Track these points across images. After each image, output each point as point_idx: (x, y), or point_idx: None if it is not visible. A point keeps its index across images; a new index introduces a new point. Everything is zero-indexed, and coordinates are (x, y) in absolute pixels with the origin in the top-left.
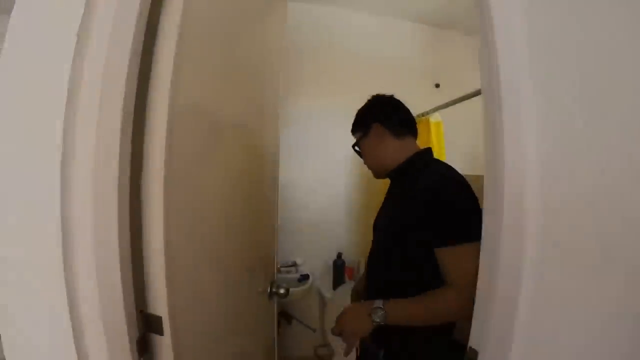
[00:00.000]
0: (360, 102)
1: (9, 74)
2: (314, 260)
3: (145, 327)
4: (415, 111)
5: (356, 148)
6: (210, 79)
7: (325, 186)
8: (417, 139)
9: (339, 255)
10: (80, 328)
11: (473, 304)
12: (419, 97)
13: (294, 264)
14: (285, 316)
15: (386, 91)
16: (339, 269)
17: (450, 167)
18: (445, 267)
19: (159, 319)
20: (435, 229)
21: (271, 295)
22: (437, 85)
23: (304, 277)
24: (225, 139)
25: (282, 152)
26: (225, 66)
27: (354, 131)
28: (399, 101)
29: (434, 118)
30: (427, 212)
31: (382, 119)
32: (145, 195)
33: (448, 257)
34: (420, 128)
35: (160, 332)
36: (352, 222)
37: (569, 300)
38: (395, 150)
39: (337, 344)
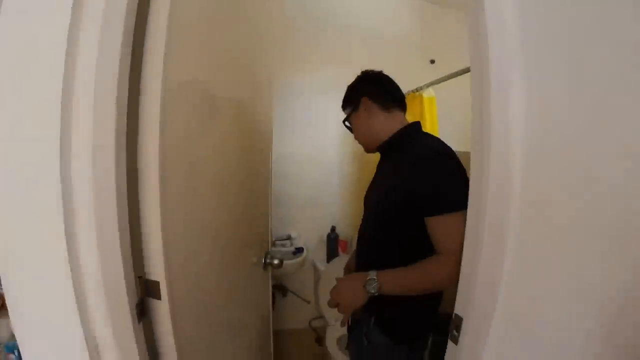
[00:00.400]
0: (355, 77)
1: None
2: (308, 234)
3: (144, 292)
4: (409, 87)
5: (346, 123)
6: (202, 53)
7: (320, 160)
8: (411, 114)
9: (333, 228)
10: (83, 295)
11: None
12: (414, 73)
13: (289, 238)
14: (280, 289)
15: (381, 66)
16: (333, 242)
17: (438, 139)
18: (436, 236)
19: (156, 284)
20: (425, 199)
21: (265, 265)
22: (433, 62)
23: (299, 250)
24: (218, 113)
25: (276, 126)
26: (218, 39)
27: (344, 107)
28: (387, 76)
29: (427, 93)
30: (417, 182)
31: (371, 93)
32: (141, 167)
33: (439, 225)
34: (413, 103)
35: (158, 296)
36: (346, 195)
37: (552, 268)
38: (384, 124)
39: (331, 316)
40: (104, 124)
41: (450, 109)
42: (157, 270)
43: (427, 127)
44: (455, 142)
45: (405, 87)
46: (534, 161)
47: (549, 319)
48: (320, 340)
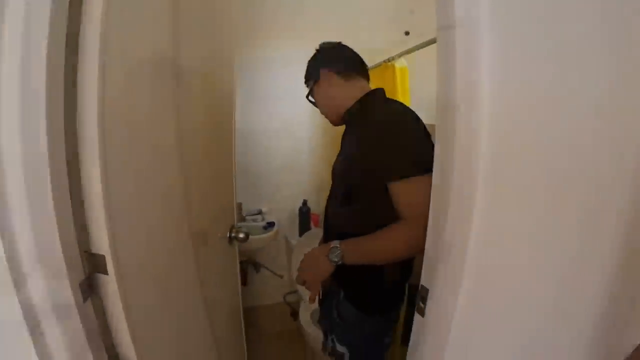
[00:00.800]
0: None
1: None
2: (280, 208)
3: (92, 267)
4: (383, 59)
5: (310, 98)
6: (152, 20)
7: (290, 134)
8: (383, 85)
9: (305, 202)
10: (20, 272)
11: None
12: (388, 45)
13: (260, 212)
14: (253, 264)
15: (354, 38)
16: (305, 216)
17: (400, 103)
18: (398, 202)
19: (102, 258)
20: (385, 165)
21: (231, 240)
22: (407, 33)
23: (270, 225)
24: (172, 81)
25: (247, 99)
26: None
27: (306, 82)
28: (346, 46)
29: (399, 64)
30: (375, 149)
31: (330, 63)
32: (81, 131)
33: (401, 190)
34: (385, 74)
35: (105, 271)
36: (317, 169)
37: (521, 236)
38: (345, 93)
39: (304, 290)
40: (34, 80)
41: (426, 81)
42: (101, 243)
43: (399, 98)
44: (431, 114)
45: (379, 59)
46: (502, 123)
47: (520, 290)
48: (295, 314)
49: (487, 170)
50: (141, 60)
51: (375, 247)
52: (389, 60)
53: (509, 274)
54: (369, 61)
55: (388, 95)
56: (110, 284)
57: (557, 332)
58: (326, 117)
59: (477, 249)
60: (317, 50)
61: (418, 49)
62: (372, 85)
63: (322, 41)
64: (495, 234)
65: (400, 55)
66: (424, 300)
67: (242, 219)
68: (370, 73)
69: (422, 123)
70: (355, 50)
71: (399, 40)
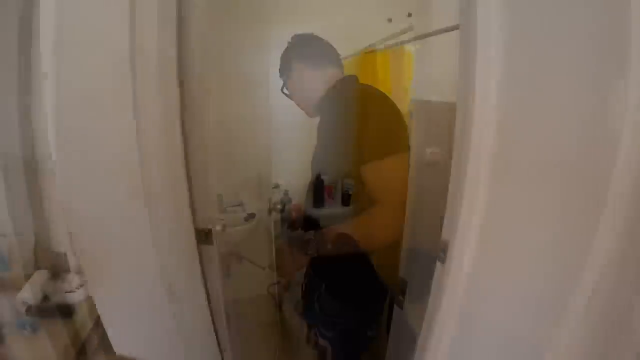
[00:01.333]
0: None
1: None
2: (261, 199)
3: (55, 265)
4: (364, 46)
5: (285, 91)
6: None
7: (273, 123)
8: (364, 73)
9: (286, 192)
10: None
11: (401, 218)
12: (370, 32)
13: (241, 204)
14: (235, 256)
15: (335, 25)
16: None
17: (370, 86)
18: (370, 185)
19: (63, 256)
20: (357, 147)
21: (207, 232)
22: (390, 20)
23: (251, 216)
24: (135, 72)
25: (229, 86)
26: None
27: (280, 75)
28: (317, 37)
29: (381, 51)
30: (347, 134)
31: (300, 55)
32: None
33: (371, 173)
34: (365, 62)
35: (67, 269)
36: (300, 160)
37: (504, 226)
38: (316, 83)
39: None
40: None
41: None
42: (62, 241)
43: (379, 85)
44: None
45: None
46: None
47: (502, 282)
48: (279, 306)
49: (472, 169)
50: (96, 49)
51: (354, 234)
52: (370, 46)
53: (494, 271)
54: (350, 49)
55: (370, 83)
56: (73, 281)
57: (550, 333)
58: (302, 109)
59: (460, 239)
60: (288, 42)
61: (397, 37)
62: (355, 74)
63: (295, 33)
64: (473, 228)
65: (381, 42)
66: (403, 293)
67: (223, 210)
68: (352, 61)
69: (393, 103)
70: (338, 37)
71: (381, 28)
